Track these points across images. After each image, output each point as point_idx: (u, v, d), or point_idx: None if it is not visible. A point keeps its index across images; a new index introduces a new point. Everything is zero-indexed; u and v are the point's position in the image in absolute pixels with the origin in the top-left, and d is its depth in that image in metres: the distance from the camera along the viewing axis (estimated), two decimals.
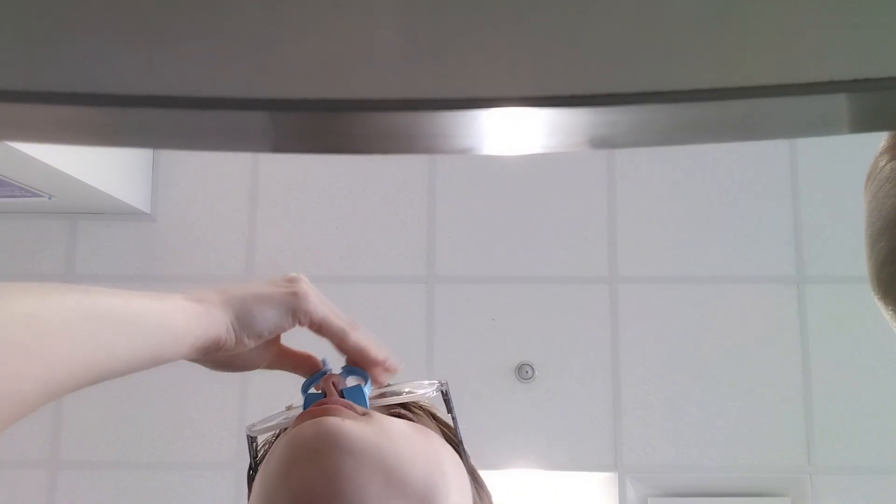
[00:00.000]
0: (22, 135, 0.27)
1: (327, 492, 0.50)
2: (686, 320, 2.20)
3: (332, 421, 0.53)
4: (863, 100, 0.22)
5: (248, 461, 0.63)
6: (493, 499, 0.63)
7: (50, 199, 2.10)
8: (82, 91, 0.22)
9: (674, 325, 2.20)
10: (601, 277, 2.23)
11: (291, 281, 0.59)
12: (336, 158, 2.24)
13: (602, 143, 0.24)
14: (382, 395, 0.62)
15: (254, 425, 0.63)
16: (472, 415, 2.10)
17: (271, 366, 0.63)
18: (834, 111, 0.22)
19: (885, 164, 0.46)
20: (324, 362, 0.64)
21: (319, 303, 0.59)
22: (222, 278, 2.16)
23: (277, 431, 0.62)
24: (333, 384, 0.59)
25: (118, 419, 2.19)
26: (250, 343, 0.56)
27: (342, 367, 0.63)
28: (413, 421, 0.60)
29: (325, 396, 0.59)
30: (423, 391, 0.63)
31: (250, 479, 0.61)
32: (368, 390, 0.61)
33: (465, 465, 0.61)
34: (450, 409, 0.64)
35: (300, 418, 0.55)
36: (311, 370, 0.64)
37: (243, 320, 0.55)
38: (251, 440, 0.63)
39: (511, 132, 0.24)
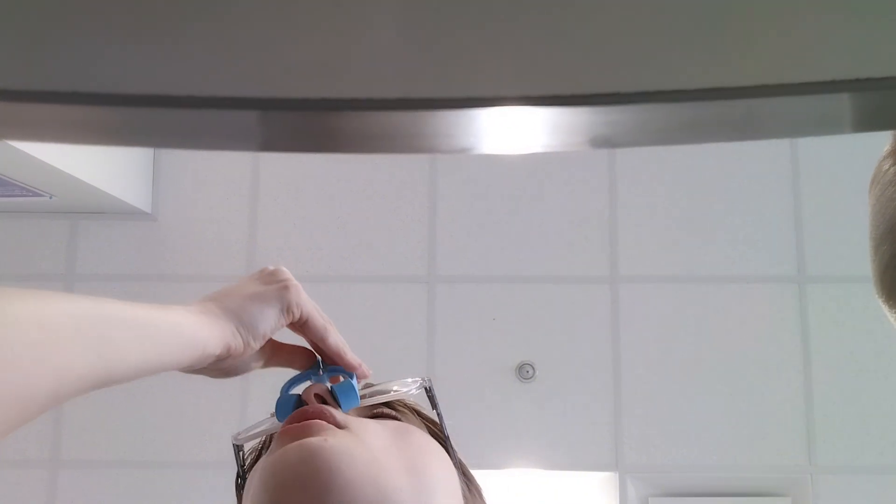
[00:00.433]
0: (21, 134, 0.27)
1: None
2: (687, 320, 2.20)
3: (315, 442, 0.52)
4: (865, 99, 0.22)
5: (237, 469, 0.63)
6: (484, 493, 0.63)
7: (51, 198, 2.10)
8: (82, 91, 0.22)
9: (674, 325, 2.20)
10: (602, 277, 2.23)
11: (276, 274, 0.59)
12: (337, 158, 2.24)
13: (602, 142, 0.24)
14: (366, 395, 0.61)
15: (239, 434, 0.63)
16: (472, 414, 2.10)
17: (267, 364, 0.63)
18: (836, 110, 0.22)
19: (889, 168, 0.46)
20: (320, 363, 0.64)
21: (307, 296, 0.59)
22: (223, 278, 2.16)
23: (264, 438, 0.62)
24: (316, 395, 0.58)
25: (118, 419, 2.19)
26: (256, 345, 0.56)
27: (327, 368, 0.63)
28: (398, 419, 0.60)
29: (303, 402, 0.58)
30: (407, 389, 0.63)
31: (238, 488, 0.61)
32: (358, 386, 0.61)
33: (452, 460, 0.60)
34: (434, 406, 0.64)
35: (282, 436, 0.54)
36: (304, 362, 0.64)
37: (247, 324, 0.55)
38: (237, 449, 0.63)
39: (511, 131, 0.24)
